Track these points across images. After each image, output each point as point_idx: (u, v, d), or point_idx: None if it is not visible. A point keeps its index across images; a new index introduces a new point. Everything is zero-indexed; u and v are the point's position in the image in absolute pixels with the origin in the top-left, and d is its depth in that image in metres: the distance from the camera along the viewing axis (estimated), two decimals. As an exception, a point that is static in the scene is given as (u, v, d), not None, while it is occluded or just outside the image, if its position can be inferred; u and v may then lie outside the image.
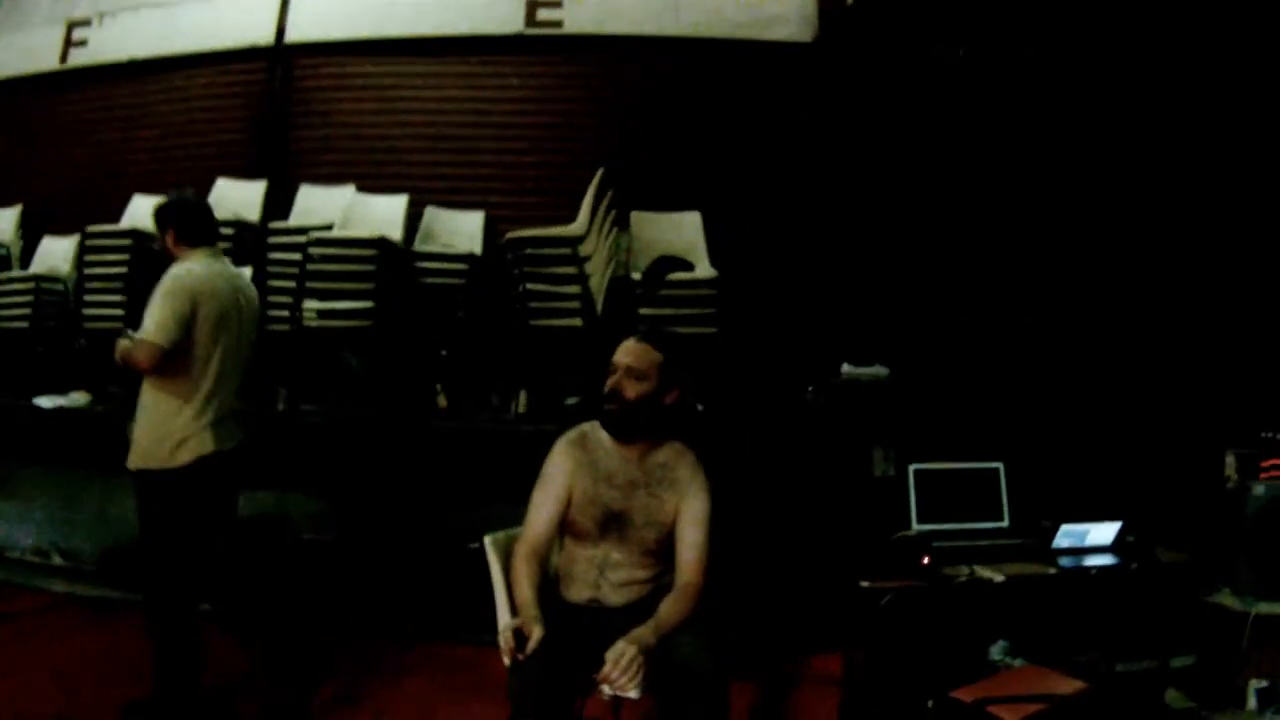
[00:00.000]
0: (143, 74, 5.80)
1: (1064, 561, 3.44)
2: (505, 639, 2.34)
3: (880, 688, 3.33)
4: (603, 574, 2.70)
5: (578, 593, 2.74)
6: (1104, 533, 3.59)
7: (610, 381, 2.70)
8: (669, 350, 2.74)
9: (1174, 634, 3.57)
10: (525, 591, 2.53)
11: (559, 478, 2.72)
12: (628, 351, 2.72)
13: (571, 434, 2.82)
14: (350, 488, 4.77)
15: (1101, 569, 3.42)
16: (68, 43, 5.92)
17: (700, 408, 4.49)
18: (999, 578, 3.21)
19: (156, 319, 3.24)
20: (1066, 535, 3.54)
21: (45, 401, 4.88)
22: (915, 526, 3.62)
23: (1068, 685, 2.80)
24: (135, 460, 3.33)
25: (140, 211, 5.35)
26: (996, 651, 3.42)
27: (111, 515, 5.05)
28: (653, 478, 2.72)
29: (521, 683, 2.30)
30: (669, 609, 2.50)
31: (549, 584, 2.75)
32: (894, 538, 3.49)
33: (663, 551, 2.71)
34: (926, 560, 3.27)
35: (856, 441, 4.30)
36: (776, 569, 4.17)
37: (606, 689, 2.34)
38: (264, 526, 4.79)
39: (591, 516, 2.69)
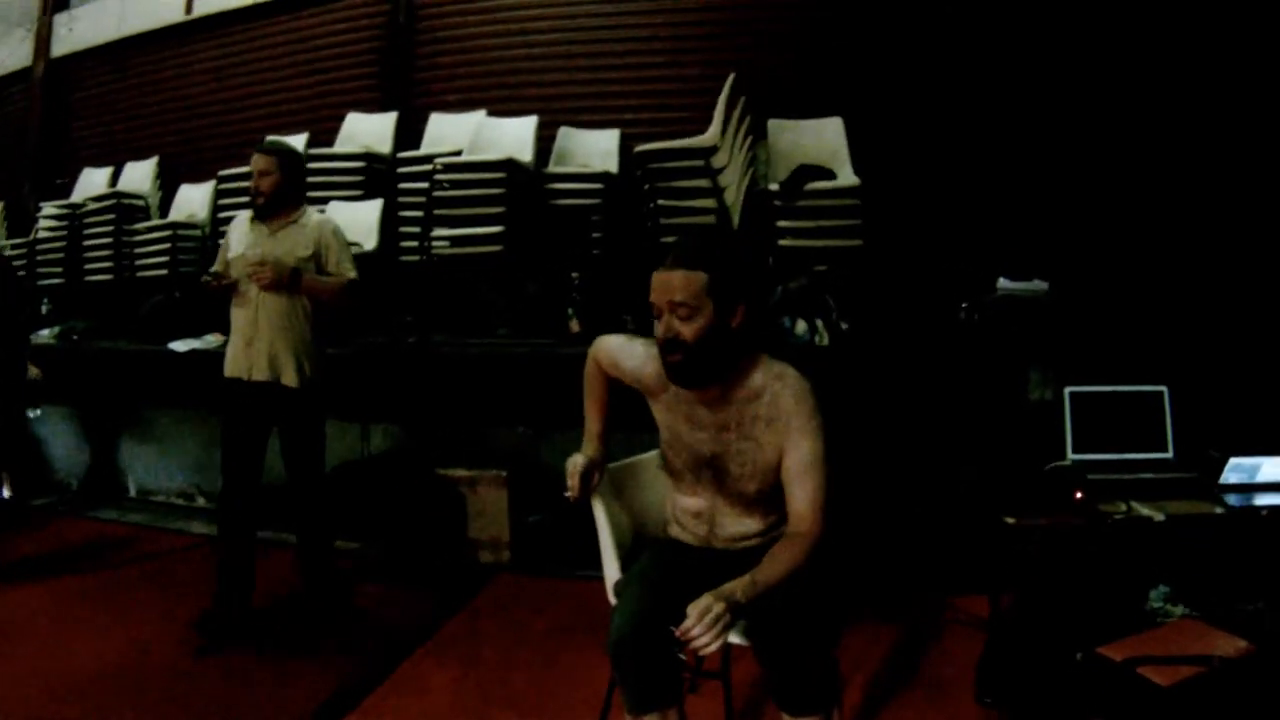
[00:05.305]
0: (267, 16, 6.06)
1: (1231, 499, 3.24)
2: (574, 468, 2.55)
3: (1026, 636, 3.26)
4: (713, 530, 2.57)
5: (688, 538, 2.64)
6: (1277, 468, 3.44)
7: (659, 329, 2.32)
8: (712, 264, 2.27)
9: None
10: (593, 423, 2.72)
11: (637, 365, 2.57)
12: (663, 286, 2.28)
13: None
14: (482, 417, 5.03)
15: (1273, 509, 3.24)
16: (192, -8, 6.22)
17: (844, 326, 4.53)
18: (1159, 516, 3.08)
19: (350, 258, 3.97)
20: (1236, 470, 3.40)
21: (180, 345, 5.19)
22: (1070, 456, 3.54)
23: (1229, 645, 2.68)
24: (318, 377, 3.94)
25: (274, 152, 5.71)
26: (1156, 598, 3.38)
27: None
28: (745, 415, 2.39)
29: (623, 615, 2.30)
30: (774, 564, 2.21)
31: (659, 523, 2.82)
32: (1046, 469, 3.43)
33: (771, 498, 2.45)
34: (1080, 495, 3.21)
35: (1012, 363, 4.25)
36: (922, 500, 4.28)
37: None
38: (396, 459, 5.13)
39: (682, 459, 2.53)
